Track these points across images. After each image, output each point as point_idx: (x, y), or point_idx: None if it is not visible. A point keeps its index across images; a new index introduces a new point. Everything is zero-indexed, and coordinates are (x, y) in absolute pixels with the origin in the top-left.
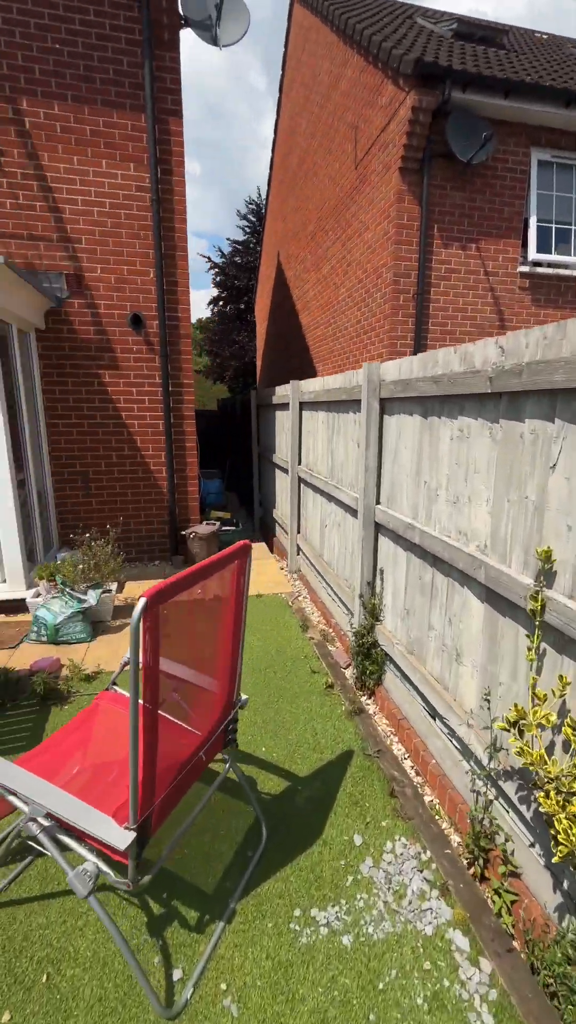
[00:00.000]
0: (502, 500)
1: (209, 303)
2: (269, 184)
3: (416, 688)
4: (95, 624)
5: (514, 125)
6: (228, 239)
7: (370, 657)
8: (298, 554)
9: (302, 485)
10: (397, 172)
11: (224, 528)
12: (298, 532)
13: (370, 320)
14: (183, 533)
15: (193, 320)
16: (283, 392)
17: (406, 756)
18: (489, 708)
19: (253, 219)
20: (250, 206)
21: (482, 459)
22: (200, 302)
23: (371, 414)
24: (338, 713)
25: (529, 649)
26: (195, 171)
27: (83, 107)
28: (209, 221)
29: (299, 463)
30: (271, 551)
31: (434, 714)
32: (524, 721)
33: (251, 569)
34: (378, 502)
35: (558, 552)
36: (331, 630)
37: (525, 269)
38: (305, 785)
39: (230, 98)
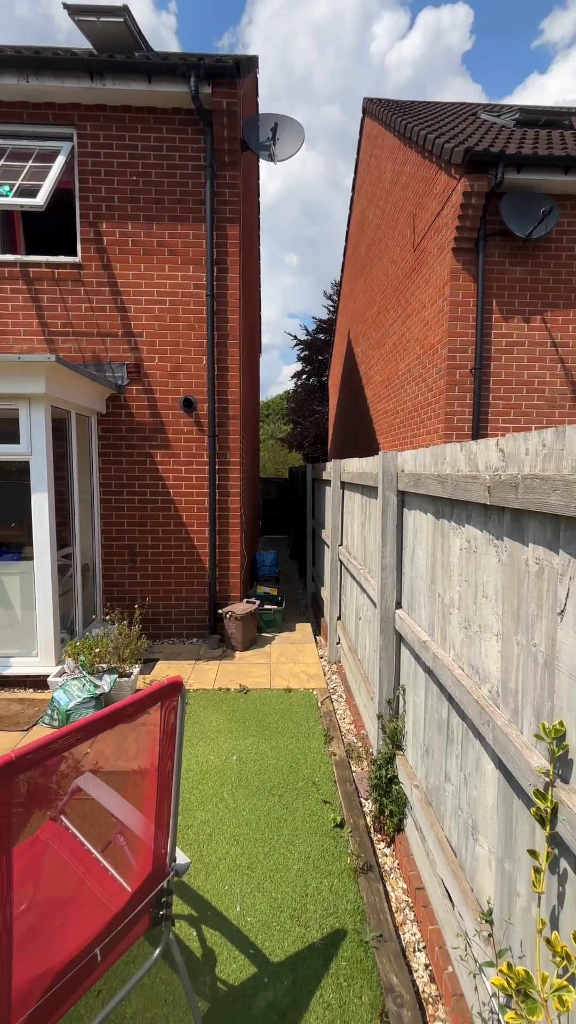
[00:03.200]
0: (511, 640)
1: (293, 376)
2: (343, 271)
3: (431, 854)
4: None
5: None
6: (314, 318)
7: (389, 794)
8: (338, 643)
9: (342, 567)
10: (450, 252)
11: (266, 607)
12: (338, 619)
13: (427, 395)
14: (220, 612)
15: (280, 392)
16: (329, 469)
17: (421, 945)
18: (505, 927)
19: (336, 299)
20: (335, 287)
21: (490, 582)
22: (287, 375)
23: (388, 507)
24: (341, 867)
25: (537, 872)
26: (293, 262)
27: (152, 223)
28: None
29: (340, 543)
30: (318, 632)
31: (451, 899)
32: (529, 990)
33: (285, 658)
34: (399, 605)
35: (573, 734)
36: (360, 742)
37: None
38: (273, 978)
39: (327, 198)
